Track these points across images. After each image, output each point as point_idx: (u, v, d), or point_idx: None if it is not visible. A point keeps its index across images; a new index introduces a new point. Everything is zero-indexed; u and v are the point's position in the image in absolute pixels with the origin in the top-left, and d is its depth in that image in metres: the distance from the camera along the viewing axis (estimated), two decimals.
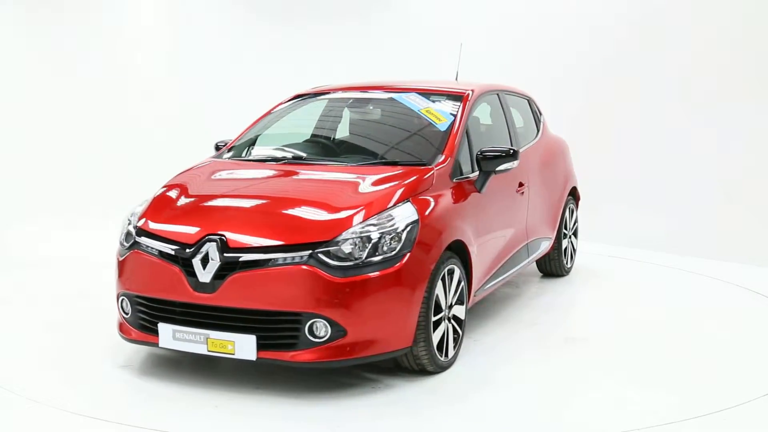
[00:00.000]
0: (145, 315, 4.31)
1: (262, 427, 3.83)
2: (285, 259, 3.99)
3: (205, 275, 4.05)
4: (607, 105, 8.39)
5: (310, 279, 3.94)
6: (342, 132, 5.65)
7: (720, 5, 7.83)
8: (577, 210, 6.94)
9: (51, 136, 9.67)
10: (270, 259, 3.99)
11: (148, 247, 4.32)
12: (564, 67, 8.74)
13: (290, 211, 4.29)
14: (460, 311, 4.62)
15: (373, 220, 4.14)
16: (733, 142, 7.68)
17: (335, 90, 5.89)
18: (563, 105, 8.42)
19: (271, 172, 4.92)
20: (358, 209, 4.19)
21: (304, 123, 5.79)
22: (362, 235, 4.06)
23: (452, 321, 4.56)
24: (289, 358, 3.99)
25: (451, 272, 4.48)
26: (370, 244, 4.04)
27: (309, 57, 10.09)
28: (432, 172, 4.63)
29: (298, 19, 10.25)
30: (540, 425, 3.91)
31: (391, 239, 4.10)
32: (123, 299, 4.43)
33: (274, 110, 5.86)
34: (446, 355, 4.48)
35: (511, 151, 5.00)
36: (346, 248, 4.01)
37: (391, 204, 4.27)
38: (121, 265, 4.44)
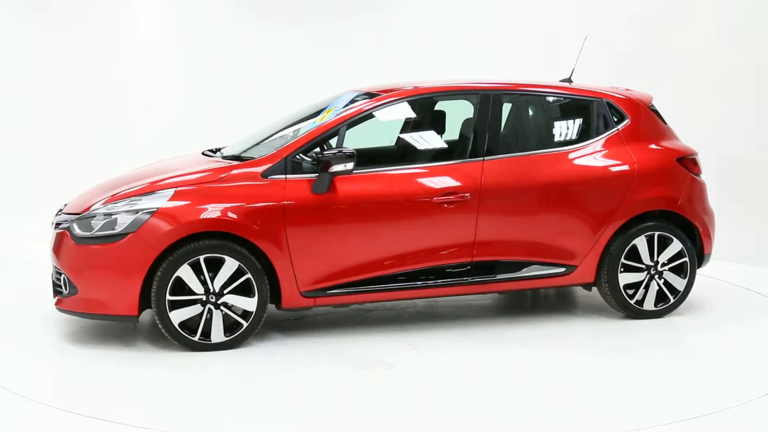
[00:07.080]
0: None
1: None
2: (64, 225, 4.95)
3: (51, 234, 5.11)
4: None
5: (64, 242, 4.90)
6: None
7: None
8: (684, 240, 5.59)
9: (51, 136, 9.66)
10: (61, 223, 5.01)
11: None
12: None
13: (112, 191, 5.03)
14: (243, 302, 4.86)
15: (123, 201, 4.83)
16: (732, 141, 7.67)
17: (367, 91, 5.69)
18: None
19: (181, 161, 5.51)
20: (120, 192, 4.90)
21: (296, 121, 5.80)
22: (100, 212, 4.82)
23: (223, 308, 4.82)
24: (57, 304, 4.97)
25: (217, 261, 4.78)
26: (103, 222, 4.77)
27: (309, 57, 10.07)
28: (228, 168, 4.98)
29: (298, 19, 10.24)
30: None
31: (119, 219, 4.75)
32: None
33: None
34: (206, 336, 4.82)
35: (344, 153, 4.86)
36: (88, 221, 4.83)
37: (155, 191, 4.84)
38: None
